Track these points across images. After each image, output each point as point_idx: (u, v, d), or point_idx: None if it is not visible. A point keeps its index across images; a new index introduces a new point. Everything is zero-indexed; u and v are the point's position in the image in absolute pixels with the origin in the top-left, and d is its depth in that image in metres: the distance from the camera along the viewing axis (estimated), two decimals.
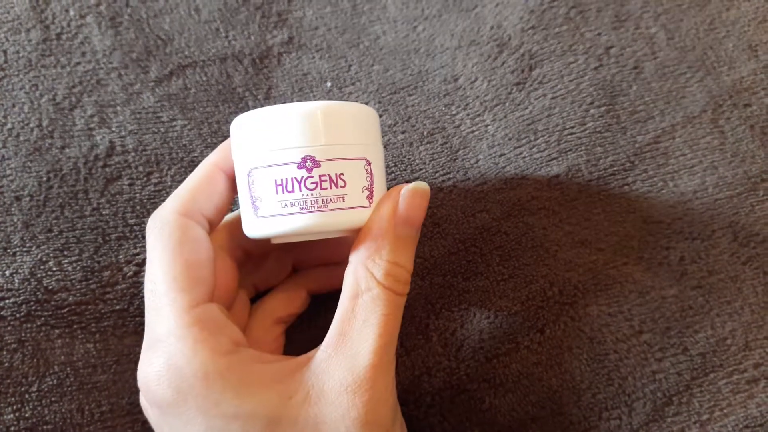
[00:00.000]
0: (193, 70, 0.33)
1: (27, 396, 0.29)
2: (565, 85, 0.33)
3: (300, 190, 0.23)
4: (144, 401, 0.25)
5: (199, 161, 0.27)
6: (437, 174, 0.32)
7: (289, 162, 0.23)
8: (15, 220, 0.30)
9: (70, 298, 0.30)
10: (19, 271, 0.30)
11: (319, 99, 0.33)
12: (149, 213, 0.31)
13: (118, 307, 0.30)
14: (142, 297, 0.26)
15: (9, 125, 0.31)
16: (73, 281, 0.30)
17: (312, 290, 0.30)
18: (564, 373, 0.30)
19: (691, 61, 0.33)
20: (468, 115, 0.33)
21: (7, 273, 0.30)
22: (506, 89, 0.33)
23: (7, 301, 0.30)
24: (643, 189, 0.31)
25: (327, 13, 0.34)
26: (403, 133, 0.33)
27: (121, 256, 0.31)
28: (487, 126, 0.32)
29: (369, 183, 0.24)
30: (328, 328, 0.24)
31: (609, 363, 0.30)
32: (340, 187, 0.23)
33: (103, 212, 0.31)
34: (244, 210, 0.25)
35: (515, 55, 0.33)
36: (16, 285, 0.30)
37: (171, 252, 0.24)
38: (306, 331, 0.31)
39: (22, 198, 0.31)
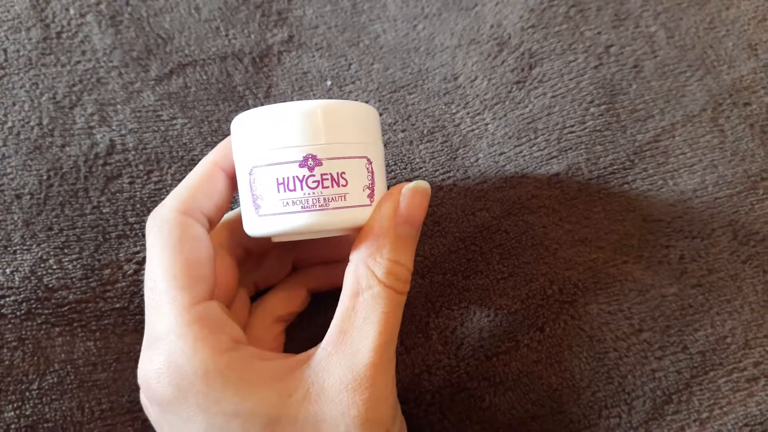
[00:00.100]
0: (193, 69, 0.33)
1: (27, 394, 0.29)
2: (565, 84, 0.33)
3: (302, 189, 0.23)
4: (144, 399, 0.25)
5: (200, 160, 0.27)
6: (437, 172, 0.32)
7: (290, 161, 0.23)
8: (15, 218, 0.30)
9: (71, 296, 0.30)
10: (20, 269, 0.30)
11: (319, 98, 0.33)
12: (149, 211, 0.31)
13: (118, 305, 0.30)
14: (143, 295, 0.26)
15: (9, 124, 0.31)
16: (74, 279, 0.30)
17: (312, 288, 0.30)
18: (564, 371, 0.30)
19: (691, 59, 0.33)
20: (468, 113, 0.33)
21: (8, 271, 0.30)
22: (506, 88, 0.33)
23: (7, 299, 0.30)
24: (643, 187, 0.32)
25: (327, 11, 0.34)
26: (403, 131, 0.33)
27: (121, 255, 0.31)
28: (487, 124, 0.33)
29: (370, 182, 0.24)
30: (328, 327, 0.24)
31: (609, 361, 0.30)
32: (342, 185, 0.23)
33: (104, 210, 0.31)
34: (245, 208, 0.25)
35: (515, 54, 0.33)
36: (17, 283, 0.30)
37: (171, 250, 0.24)
38: (306, 330, 0.31)
39: (22, 196, 0.31)
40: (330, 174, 0.23)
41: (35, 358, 0.29)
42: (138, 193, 0.31)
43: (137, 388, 0.29)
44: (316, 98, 0.33)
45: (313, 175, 0.23)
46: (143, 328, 0.24)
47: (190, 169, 0.27)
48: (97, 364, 0.30)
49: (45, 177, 0.31)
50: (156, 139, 0.32)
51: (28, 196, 0.31)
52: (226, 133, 0.32)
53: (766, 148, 0.32)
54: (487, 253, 0.31)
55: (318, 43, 0.34)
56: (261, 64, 0.34)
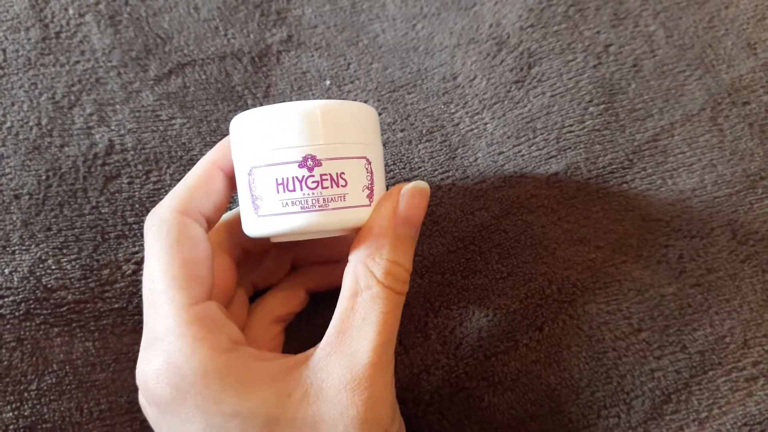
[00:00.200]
0: (192, 69, 0.33)
1: (26, 394, 0.29)
2: (564, 83, 0.33)
3: (301, 189, 0.23)
4: (143, 400, 0.25)
5: (198, 159, 0.27)
6: (436, 172, 0.32)
7: (290, 161, 0.23)
8: (14, 218, 0.30)
9: (69, 297, 0.30)
10: (18, 269, 0.30)
11: (318, 97, 0.33)
12: (148, 211, 0.31)
13: (117, 306, 0.30)
14: (141, 295, 0.26)
15: (8, 124, 0.31)
16: (72, 280, 0.30)
17: (311, 289, 0.30)
18: (563, 371, 0.30)
19: (689, 59, 0.33)
20: (467, 113, 0.33)
21: (6, 271, 0.30)
22: (505, 87, 0.33)
23: (6, 299, 0.30)
24: (641, 187, 0.31)
25: (326, 11, 0.34)
26: (402, 131, 0.33)
27: (120, 255, 0.31)
28: (486, 124, 0.32)
29: (369, 182, 0.24)
30: (326, 327, 0.24)
31: (608, 361, 0.30)
32: (341, 186, 0.23)
33: (102, 211, 0.31)
34: (244, 209, 0.25)
35: (514, 54, 0.33)
36: (15, 283, 0.30)
37: (169, 250, 0.24)
38: (305, 330, 0.31)
39: (21, 196, 0.31)
40: (329, 174, 0.23)
41: (34, 358, 0.29)
42: (137, 193, 0.31)
43: (136, 389, 0.29)
44: (315, 98, 0.33)
45: (313, 176, 0.23)
46: (142, 328, 0.24)
47: (189, 169, 0.27)
48: (96, 365, 0.30)
49: (44, 177, 0.31)
50: (155, 139, 0.32)
51: (26, 197, 0.31)
52: (225, 133, 0.32)
53: (765, 148, 0.32)
54: (485, 252, 0.31)
55: (317, 43, 0.34)
56: (260, 63, 0.34)
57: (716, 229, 0.31)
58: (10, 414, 0.29)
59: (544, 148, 0.32)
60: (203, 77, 0.33)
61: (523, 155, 0.32)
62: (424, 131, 0.33)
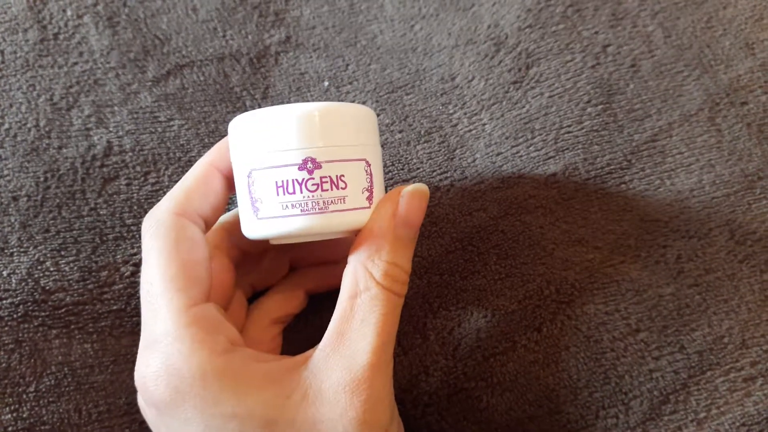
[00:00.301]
0: (190, 70, 0.33)
1: (24, 396, 0.29)
2: (562, 84, 0.33)
3: (301, 192, 0.23)
4: (141, 401, 0.25)
5: (197, 161, 0.27)
6: (434, 173, 0.32)
7: (289, 164, 0.23)
8: (12, 220, 0.30)
9: (68, 299, 0.30)
10: (17, 271, 0.30)
11: (316, 98, 0.33)
12: (147, 213, 0.31)
13: (115, 308, 0.30)
14: (140, 297, 0.26)
15: (6, 125, 0.31)
16: (71, 281, 0.30)
17: (310, 290, 0.30)
18: (561, 371, 0.30)
19: (688, 59, 0.33)
20: (465, 114, 0.33)
21: (5, 273, 0.30)
22: (503, 88, 0.33)
23: (4, 301, 0.30)
24: (640, 187, 0.32)
25: (324, 12, 0.34)
26: (400, 132, 0.33)
27: (118, 256, 0.31)
28: (484, 125, 0.33)
29: (369, 184, 0.24)
30: (325, 328, 0.24)
31: (606, 361, 0.30)
32: (341, 188, 0.23)
33: (101, 212, 0.31)
34: (243, 211, 0.25)
35: (512, 54, 0.33)
36: (14, 285, 0.30)
37: (167, 252, 0.24)
38: (303, 331, 0.31)
39: (19, 198, 0.31)
40: (329, 177, 0.23)
41: (32, 360, 0.29)
42: (135, 194, 0.31)
43: (134, 390, 0.29)
44: (313, 99, 0.33)
45: (313, 178, 0.23)
46: (140, 330, 0.24)
47: (188, 171, 0.27)
48: (95, 366, 0.30)
49: (42, 179, 0.31)
50: (153, 140, 0.32)
51: (25, 198, 0.31)
52: (224, 134, 0.32)
53: (763, 148, 0.32)
54: (484, 253, 0.31)
55: (315, 44, 0.34)
56: (258, 64, 0.34)
57: (714, 229, 0.31)
58: (9, 416, 0.29)
59: (543, 149, 0.32)
60: (201, 78, 0.33)
61: (521, 156, 0.32)
62: (422, 132, 0.33)
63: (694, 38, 0.33)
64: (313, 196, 0.23)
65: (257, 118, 0.24)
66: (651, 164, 0.32)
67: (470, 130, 0.33)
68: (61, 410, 0.29)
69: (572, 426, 0.30)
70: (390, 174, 0.32)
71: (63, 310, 0.30)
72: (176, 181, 0.31)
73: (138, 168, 0.32)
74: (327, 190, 0.23)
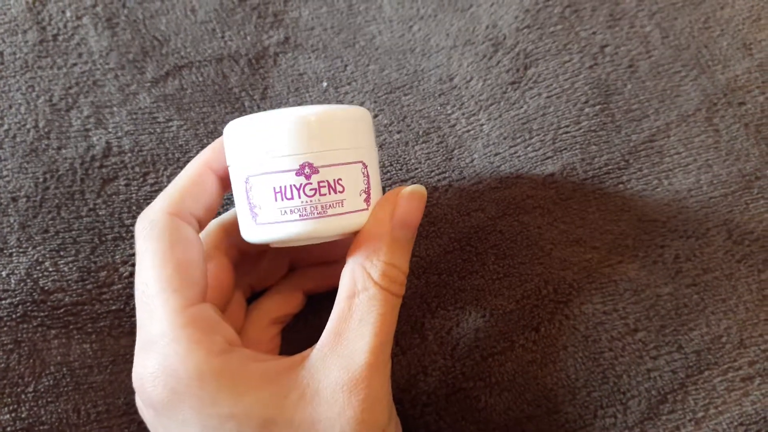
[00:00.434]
0: (189, 71, 0.33)
1: (23, 396, 0.29)
2: (560, 84, 0.33)
3: (299, 197, 0.23)
4: (139, 402, 0.25)
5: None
6: (433, 173, 0.32)
7: (287, 169, 0.23)
8: (11, 221, 0.31)
9: (67, 299, 0.30)
10: (16, 271, 0.30)
11: (315, 99, 0.33)
12: None
13: (114, 308, 0.30)
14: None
15: (5, 126, 0.31)
16: (70, 282, 0.30)
17: (308, 290, 0.30)
18: (559, 371, 0.30)
19: (685, 59, 0.33)
20: (463, 114, 0.33)
21: (4, 274, 0.30)
22: (501, 88, 0.33)
23: (3, 301, 0.30)
24: (637, 187, 0.32)
25: (323, 13, 0.35)
26: (398, 132, 0.33)
27: (117, 257, 0.31)
28: (482, 125, 0.33)
29: (366, 186, 0.24)
30: (323, 328, 0.24)
31: (604, 361, 0.30)
32: (339, 192, 0.23)
33: (100, 213, 0.31)
34: (242, 216, 0.25)
35: (510, 55, 0.33)
36: (13, 286, 0.30)
37: (162, 253, 0.24)
38: (302, 331, 0.31)
39: (18, 199, 0.31)
40: (327, 181, 0.23)
41: (31, 360, 0.29)
42: (134, 195, 0.31)
43: (133, 391, 0.29)
44: (312, 100, 0.33)
45: (310, 183, 0.23)
46: None
47: None
48: (93, 367, 0.30)
49: (41, 179, 0.31)
50: (152, 141, 0.32)
51: (24, 199, 0.31)
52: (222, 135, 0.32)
53: (761, 148, 0.32)
54: (482, 253, 0.31)
55: (314, 45, 0.34)
56: (257, 65, 0.34)
57: (712, 229, 0.31)
58: (8, 416, 0.29)
59: (540, 149, 0.32)
60: (200, 79, 0.33)
61: (519, 156, 0.32)
62: (420, 132, 0.33)
63: (692, 39, 0.33)
64: (311, 201, 0.23)
65: (253, 124, 0.24)
66: (649, 164, 0.32)
67: (468, 131, 0.33)
68: (59, 410, 0.29)
69: (570, 425, 0.30)
70: (388, 174, 0.32)
71: (62, 310, 0.30)
72: None
73: (137, 168, 0.32)
74: (325, 194, 0.23)
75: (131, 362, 0.24)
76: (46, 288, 0.30)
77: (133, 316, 0.30)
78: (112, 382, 0.30)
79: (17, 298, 0.30)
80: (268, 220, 0.23)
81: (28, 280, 0.30)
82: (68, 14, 0.33)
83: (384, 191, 0.26)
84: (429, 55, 0.34)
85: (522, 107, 0.33)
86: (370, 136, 0.25)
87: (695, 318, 0.30)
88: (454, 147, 0.32)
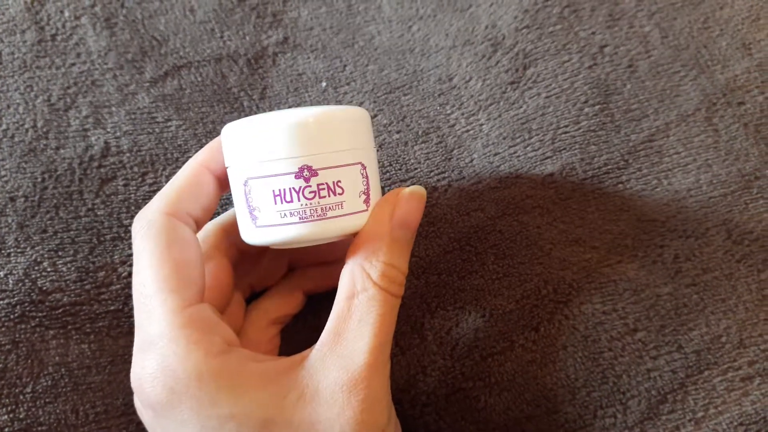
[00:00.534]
0: (188, 71, 0.33)
1: (21, 397, 0.29)
2: (560, 84, 0.33)
3: (299, 200, 0.23)
4: (138, 403, 0.25)
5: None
6: (432, 173, 0.32)
7: (286, 172, 0.23)
8: (9, 221, 0.30)
9: (65, 299, 0.30)
10: (14, 271, 0.30)
11: (314, 99, 0.33)
12: None
13: (112, 308, 0.30)
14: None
15: (4, 126, 0.31)
16: (68, 282, 0.30)
17: (308, 290, 0.30)
18: (559, 371, 0.30)
19: (685, 59, 0.33)
20: (463, 114, 0.33)
21: (2, 274, 0.30)
22: (501, 88, 0.33)
23: (1, 302, 0.29)
24: (637, 187, 0.32)
25: (322, 13, 0.34)
26: (398, 132, 0.33)
27: (116, 257, 0.31)
28: (481, 125, 0.33)
29: (365, 187, 0.24)
30: (323, 329, 0.24)
31: (603, 361, 0.30)
32: (338, 194, 0.23)
33: (98, 213, 0.31)
34: (242, 218, 0.25)
35: (509, 55, 0.33)
36: (11, 286, 0.30)
37: (159, 253, 0.23)
38: (301, 332, 0.31)
39: (16, 199, 0.31)
40: (326, 183, 0.23)
41: (29, 361, 0.29)
42: (133, 195, 0.31)
43: (132, 391, 0.29)
44: (311, 100, 0.33)
45: (310, 186, 0.23)
46: None
47: None
48: (92, 367, 0.30)
49: (39, 179, 0.31)
50: (151, 141, 0.32)
51: (22, 199, 0.31)
52: None
53: (760, 148, 0.32)
54: (482, 253, 0.31)
55: (313, 45, 0.34)
56: (256, 65, 0.34)
57: (711, 229, 0.31)
58: (6, 417, 0.29)
59: (540, 149, 0.32)
60: (199, 79, 0.33)
61: (518, 156, 0.32)
62: (420, 132, 0.33)
63: (691, 38, 0.33)
64: (310, 204, 0.23)
65: (251, 126, 0.23)
66: (648, 164, 0.32)
67: (468, 131, 0.33)
68: (58, 411, 0.29)
69: (570, 426, 0.30)
70: (388, 174, 0.32)
71: (60, 310, 0.30)
72: None
73: (135, 168, 0.32)
74: (324, 197, 0.23)
75: (130, 363, 0.24)
76: (45, 288, 0.30)
77: (132, 316, 0.30)
78: (110, 383, 0.30)
79: (15, 299, 0.30)
80: (268, 222, 0.23)
81: (27, 281, 0.30)
82: (67, 14, 0.33)
83: (383, 191, 0.26)
84: (428, 55, 0.34)
85: (521, 107, 0.33)
86: (369, 137, 0.25)
87: (695, 318, 0.30)
88: (454, 147, 0.32)
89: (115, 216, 0.31)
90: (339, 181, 0.23)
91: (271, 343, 0.29)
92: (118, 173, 0.31)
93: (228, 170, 0.25)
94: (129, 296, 0.30)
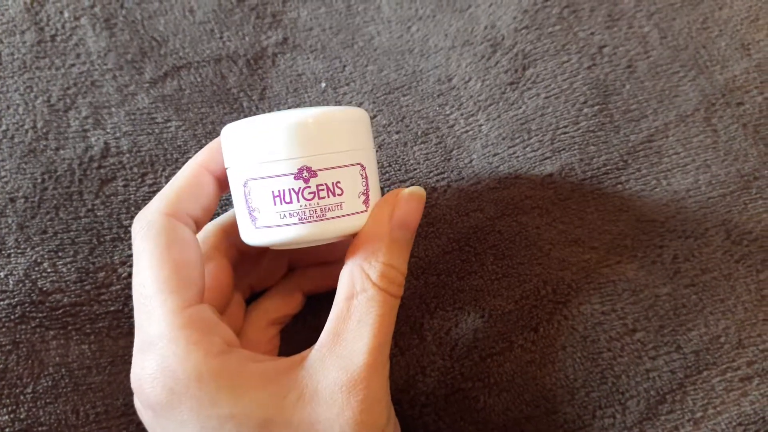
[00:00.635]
0: (187, 71, 0.33)
1: (22, 397, 0.29)
2: (559, 85, 0.33)
3: (298, 201, 0.23)
4: (138, 403, 0.25)
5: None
6: (431, 174, 0.32)
7: (285, 173, 0.23)
8: (9, 221, 0.30)
9: (65, 300, 0.30)
10: (14, 272, 0.30)
11: (313, 99, 0.33)
12: None
13: (112, 308, 0.30)
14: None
15: (3, 127, 0.31)
16: (68, 282, 0.30)
17: (308, 290, 0.30)
18: (558, 371, 0.30)
19: (683, 60, 0.33)
20: (462, 114, 0.33)
21: (2, 275, 0.30)
22: (500, 89, 0.33)
23: (1, 302, 0.30)
24: (636, 188, 0.32)
25: (321, 13, 0.35)
26: (397, 133, 0.33)
27: (115, 257, 0.31)
28: (480, 126, 0.33)
29: (365, 187, 0.24)
30: (322, 329, 0.24)
31: (603, 361, 0.30)
32: (338, 195, 0.23)
33: (98, 213, 0.31)
34: (241, 219, 0.25)
35: (509, 55, 0.33)
36: (11, 286, 0.30)
37: (159, 253, 0.23)
38: (301, 332, 0.31)
39: (16, 200, 0.31)
40: (325, 184, 0.23)
41: (29, 361, 0.29)
42: (132, 195, 0.31)
43: (132, 392, 0.29)
44: (310, 100, 0.33)
45: (309, 187, 0.23)
46: None
47: None
48: (92, 368, 0.30)
49: (39, 180, 0.31)
50: (150, 141, 0.32)
51: (22, 200, 0.31)
52: None
53: (759, 148, 0.32)
54: (481, 253, 0.31)
55: (312, 45, 0.34)
56: (255, 66, 0.34)
57: (710, 229, 0.31)
58: (6, 417, 0.29)
59: (539, 150, 0.32)
60: (199, 80, 0.33)
61: (517, 157, 0.32)
62: (419, 133, 0.33)
63: (690, 39, 0.33)
64: (310, 205, 0.23)
65: (251, 127, 0.23)
66: (647, 164, 0.32)
67: (467, 131, 0.33)
68: (58, 411, 0.29)
69: (569, 426, 0.30)
70: (387, 175, 0.32)
71: (60, 311, 0.30)
72: None
73: (135, 169, 0.32)
74: (324, 197, 0.23)
75: (130, 363, 0.24)
76: (45, 289, 0.30)
77: (132, 317, 0.30)
78: (110, 383, 0.30)
79: (15, 299, 0.30)
80: (268, 223, 0.23)
81: (27, 281, 0.30)
82: (66, 15, 0.33)
83: (383, 192, 0.27)
84: (427, 56, 0.34)
85: (520, 108, 0.33)
86: (369, 138, 0.25)
87: (694, 318, 0.30)
88: (453, 147, 0.32)
89: (114, 217, 0.31)
90: (338, 182, 0.23)
91: (270, 344, 0.29)
92: (117, 174, 0.31)
93: (228, 171, 0.25)
94: (129, 297, 0.30)
